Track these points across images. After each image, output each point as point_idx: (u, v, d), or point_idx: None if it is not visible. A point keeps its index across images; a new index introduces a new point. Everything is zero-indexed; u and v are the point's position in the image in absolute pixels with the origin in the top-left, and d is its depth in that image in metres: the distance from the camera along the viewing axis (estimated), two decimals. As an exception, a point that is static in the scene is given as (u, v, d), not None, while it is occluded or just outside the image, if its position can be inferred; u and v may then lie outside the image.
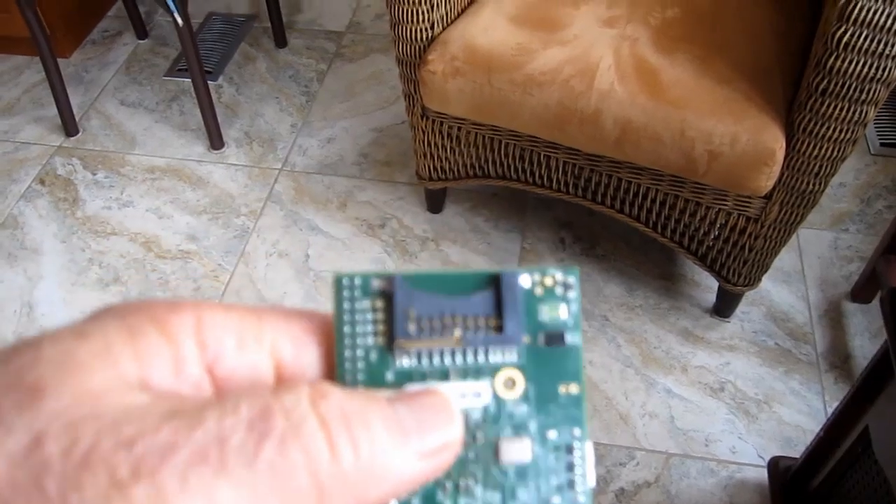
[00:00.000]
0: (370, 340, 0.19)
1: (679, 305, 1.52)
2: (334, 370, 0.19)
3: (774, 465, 1.25)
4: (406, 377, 0.19)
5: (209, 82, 1.84)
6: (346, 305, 0.19)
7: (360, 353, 0.19)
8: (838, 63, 1.04)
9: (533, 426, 0.19)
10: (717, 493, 1.27)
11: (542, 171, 1.40)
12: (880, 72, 1.03)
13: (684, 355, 1.44)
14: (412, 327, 0.19)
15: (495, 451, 0.19)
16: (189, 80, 1.79)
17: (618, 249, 1.61)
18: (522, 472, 0.19)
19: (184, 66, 2.03)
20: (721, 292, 1.46)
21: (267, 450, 0.15)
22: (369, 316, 0.19)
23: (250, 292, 1.56)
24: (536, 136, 1.33)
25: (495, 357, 0.19)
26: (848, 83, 1.05)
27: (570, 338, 0.20)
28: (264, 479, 0.14)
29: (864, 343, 1.46)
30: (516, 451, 0.19)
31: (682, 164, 1.20)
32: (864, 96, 1.06)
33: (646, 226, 1.39)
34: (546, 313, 0.20)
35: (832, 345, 1.46)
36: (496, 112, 1.30)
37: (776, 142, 1.14)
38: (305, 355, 0.19)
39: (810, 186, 1.18)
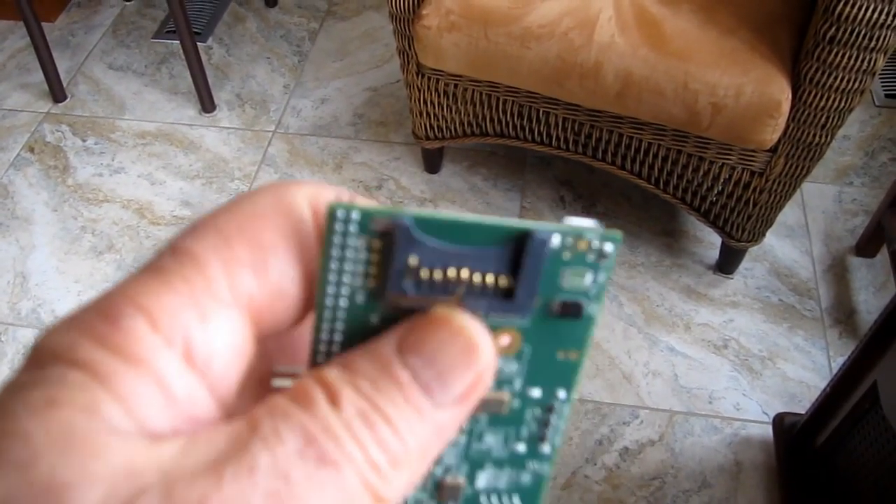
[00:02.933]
0: (358, 281, 0.16)
1: (681, 263, 1.50)
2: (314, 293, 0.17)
3: (779, 421, 1.24)
4: (393, 321, 0.17)
5: (198, 44, 1.80)
6: (336, 240, 0.16)
7: (344, 291, 0.16)
8: (847, 9, 1.01)
9: (518, 384, 0.18)
10: (721, 450, 1.26)
11: (542, 128, 1.37)
12: (890, 17, 0.99)
13: (687, 313, 1.43)
14: (409, 283, 0.16)
15: None
16: (178, 42, 1.74)
17: (619, 207, 1.58)
18: (495, 421, 0.18)
19: (172, 28, 1.98)
20: (724, 248, 1.44)
21: (327, 476, 0.14)
22: (363, 256, 0.16)
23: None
24: (535, 92, 1.30)
25: (496, 318, 0.17)
26: (857, 30, 1.02)
27: (589, 309, 0.17)
28: (332, 500, 0.14)
29: (869, 298, 1.44)
30: (494, 404, 0.18)
31: (686, 117, 1.17)
32: (873, 43, 1.02)
33: (648, 182, 1.37)
34: (568, 279, 0.17)
35: (837, 300, 1.45)
36: (493, 67, 1.27)
37: (782, 93, 1.10)
38: (278, 276, 0.16)
39: (816, 138, 1.15)
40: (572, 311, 0.17)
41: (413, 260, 0.16)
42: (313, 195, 0.17)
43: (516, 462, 0.19)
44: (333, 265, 0.16)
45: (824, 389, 1.10)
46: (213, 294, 0.15)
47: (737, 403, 1.31)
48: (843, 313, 1.43)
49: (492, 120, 1.41)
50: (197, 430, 0.15)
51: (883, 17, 1.00)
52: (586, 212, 1.58)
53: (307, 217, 0.17)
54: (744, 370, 1.35)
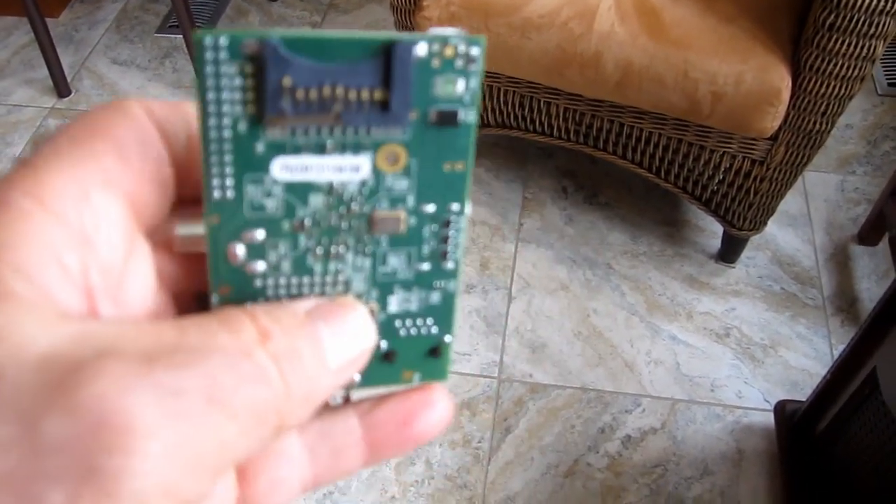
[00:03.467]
0: (238, 109, 0.17)
1: (683, 252, 1.50)
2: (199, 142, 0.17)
3: (781, 408, 1.24)
4: (278, 150, 0.17)
5: (201, 37, 1.80)
6: (209, 69, 0.16)
7: (226, 121, 0.17)
8: (846, -4, 1.01)
9: (411, 200, 0.18)
10: (723, 437, 1.27)
11: (543, 119, 1.38)
12: (889, 4, 1.00)
13: (689, 301, 1.43)
14: (285, 102, 0.17)
15: (370, 222, 0.18)
16: (181, 36, 1.75)
17: (621, 196, 1.59)
18: (396, 241, 0.19)
19: (175, 23, 1.99)
20: (726, 237, 1.44)
21: (247, 389, 0.15)
22: (237, 82, 0.16)
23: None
24: (536, 82, 1.30)
25: (378, 134, 0.18)
26: (856, 17, 1.02)
27: (464, 115, 0.18)
28: (247, 415, 0.15)
29: (871, 286, 1.44)
30: (390, 223, 0.18)
31: (686, 106, 1.18)
32: (872, 30, 1.03)
33: (649, 171, 1.37)
34: (440, 87, 0.17)
35: (839, 288, 1.45)
36: (494, 58, 1.27)
37: (782, 80, 1.11)
38: (139, 165, 0.17)
39: (817, 126, 1.16)
40: (449, 119, 0.18)
41: (287, 80, 0.16)
42: (142, 103, 0.18)
43: (423, 282, 0.20)
44: (210, 95, 0.16)
45: (824, 376, 1.10)
46: (91, 176, 0.16)
47: (738, 391, 1.32)
48: (845, 301, 1.43)
49: (493, 111, 1.42)
50: (95, 309, 0.16)
51: (882, 3, 1.00)
52: (588, 202, 1.58)
53: (141, 115, 0.18)
54: (746, 358, 1.36)
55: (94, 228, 0.16)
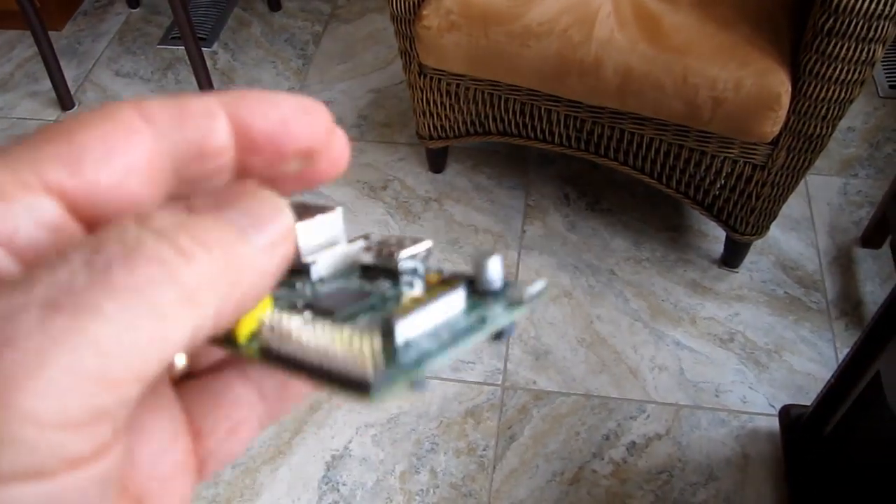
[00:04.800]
0: None
1: (686, 257, 1.50)
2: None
3: (786, 413, 1.24)
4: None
5: (204, 49, 1.81)
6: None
7: None
8: (845, 0, 1.01)
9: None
10: (728, 442, 1.26)
11: (544, 126, 1.38)
12: (888, 8, 1.00)
13: (693, 307, 1.43)
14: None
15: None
16: (183, 47, 1.76)
17: (623, 203, 1.59)
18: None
19: (177, 34, 2.00)
20: (729, 242, 1.44)
21: (118, 275, 0.14)
22: None
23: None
24: (536, 90, 1.30)
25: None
26: (855, 21, 1.02)
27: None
28: (130, 303, 0.13)
29: (875, 289, 1.44)
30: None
31: (686, 111, 1.18)
32: (871, 34, 1.03)
33: (651, 177, 1.37)
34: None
35: (842, 291, 1.45)
36: (494, 66, 1.28)
37: (782, 85, 1.11)
38: (93, 168, 0.17)
39: (818, 130, 1.16)
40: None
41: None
42: (137, 104, 0.18)
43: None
44: None
45: (829, 380, 1.10)
46: (16, 180, 0.16)
47: (743, 396, 1.31)
48: (849, 305, 1.43)
49: (494, 118, 1.42)
50: None
51: (881, 7, 1.00)
52: (591, 208, 1.58)
53: (128, 116, 0.17)
54: (750, 363, 1.35)
55: (11, 229, 0.16)
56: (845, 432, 1.08)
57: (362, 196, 1.64)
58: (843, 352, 1.35)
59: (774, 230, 1.50)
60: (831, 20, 1.04)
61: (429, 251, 0.20)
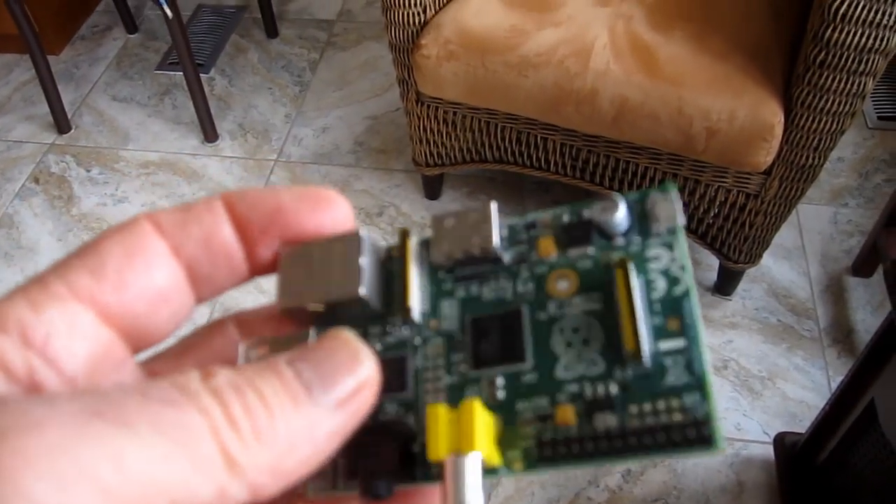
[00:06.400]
0: None
1: (680, 285, 1.51)
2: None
3: (780, 440, 1.25)
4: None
5: (201, 75, 1.83)
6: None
7: None
8: (836, 34, 1.03)
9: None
10: (723, 470, 1.27)
11: (540, 154, 1.40)
12: (878, 42, 1.02)
13: (687, 334, 1.43)
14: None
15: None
16: (181, 73, 1.78)
17: (617, 230, 1.60)
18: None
19: (175, 60, 2.02)
20: (722, 270, 1.45)
21: (165, 412, 0.14)
22: None
23: (251, 286, 1.54)
24: (533, 119, 1.32)
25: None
26: (846, 55, 1.04)
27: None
28: (165, 438, 0.14)
29: (867, 317, 1.46)
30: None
31: (681, 141, 1.20)
32: (862, 67, 1.05)
33: (645, 206, 1.38)
34: None
35: (834, 320, 1.46)
36: (491, 95, 1.29)
37: (774, 116, 1.13)
38: (115, 276, 0.18)
39: (810, 160, 1.18)
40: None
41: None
42: (151, 217, 0.19)
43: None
44: None
45: (823, 408, 1.11)
46: (46, 292, 0.17)
47: (738, 424, 1.32)
48: (841, 333, 1.44)
49: (491, 146, 1.44)
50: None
51: (871, 41, 1.03)
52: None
53: (146, 229, 0.19)
54: (744, 390, 1.36)
55: (43, 338, 0.16)
56: (840, 460, 1.08)
57: (358, 222, 1.64)
58: (836, 379, 1.36)
59: (767, 258, 1.52)
60: (823, 53, 1.06)
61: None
